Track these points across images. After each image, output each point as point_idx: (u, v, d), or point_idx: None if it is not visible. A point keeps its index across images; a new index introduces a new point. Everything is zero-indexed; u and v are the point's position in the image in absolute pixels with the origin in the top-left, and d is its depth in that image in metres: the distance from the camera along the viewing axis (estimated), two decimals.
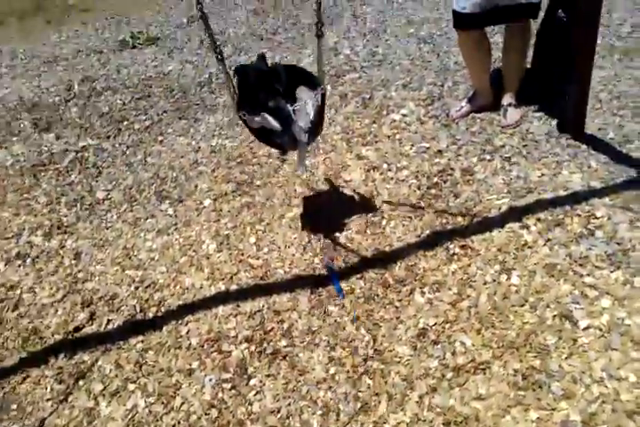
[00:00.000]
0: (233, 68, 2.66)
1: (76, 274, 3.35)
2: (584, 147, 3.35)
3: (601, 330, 2.41)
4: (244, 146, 4.03)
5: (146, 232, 3.53)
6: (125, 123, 4.59)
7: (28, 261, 3.49)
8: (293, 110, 2.62)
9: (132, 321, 3.04)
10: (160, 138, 4.34)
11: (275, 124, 2.59)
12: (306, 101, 2.63)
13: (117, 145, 4.31)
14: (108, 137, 4.42)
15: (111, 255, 3.42)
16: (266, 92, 2.62)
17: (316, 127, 2.75)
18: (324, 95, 2.71)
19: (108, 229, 3.62)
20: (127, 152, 4.23)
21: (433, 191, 3.32)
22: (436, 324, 2.66)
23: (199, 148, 4.14)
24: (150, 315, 3.05)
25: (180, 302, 3.08)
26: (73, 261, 3.43)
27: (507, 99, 3.74)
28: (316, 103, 2.65)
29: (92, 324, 3.06)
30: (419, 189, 3.36)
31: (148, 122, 4.58)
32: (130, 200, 3.79)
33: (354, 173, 3.60)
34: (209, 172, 3.89)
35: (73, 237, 3.60)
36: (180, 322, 2.98)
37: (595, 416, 2.16)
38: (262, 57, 2.76)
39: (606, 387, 2.23)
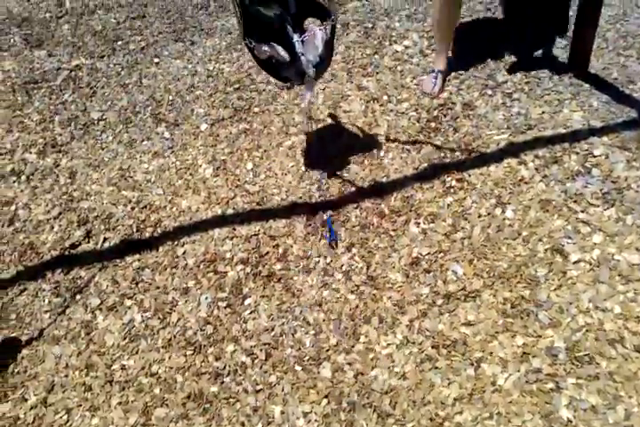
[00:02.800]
0: None
1: (72, 193, 3.33)
2: (587, 86, 3.32)
3: (591, 264, 2.48)
4: (241, 71, 3.93)
5: (142, 154, 3.49)
6: (120, 43, 4.43)
7: (23, 177, 3.46)
8: (302, 41, 2.51)
9: (128, 240, 3.06)
10: (156, 60, 4.21)
11: (284, 54, 2.45)
12: (315, 33, 2.49)
13: (112, 65, 4.18)
14: (102, 57, 4.27)
15: (107, 175, 3.40)
16: (274, 20, 2.46)
17: (324, 61, 2.61)
18: (334, 26, 2.55)
19: (103, 149, 3.57)
20: (122, 73, 4.11)
21: (432, 125, 3.30)
22: (429, 253, 2.72)
23: (196, 71, 4.03)
24: (147, 235, 3.07)
25: (177, 224, 3.09)
26: (68, 180, 3.41)
27: None
28: (326, 35, 2.51)
29: (88, 241, 3.08)
30: (418, 121, 3.33)
31: (144, 43, 4.42)
32: (125, 122, 3.73)
33: (353, 104, 3.54)
34: (206, 96, 3.81)
35: (67, 156, 3.56)
36: (176, 243, 3.01)
37: (578, 344, 2.27)
38: None
39: (591, 317, 2.33)
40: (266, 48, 2.45)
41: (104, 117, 3.78)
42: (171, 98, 3.86)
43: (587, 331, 2.29)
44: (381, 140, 3.27)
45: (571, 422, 2.09)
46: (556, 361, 2.24)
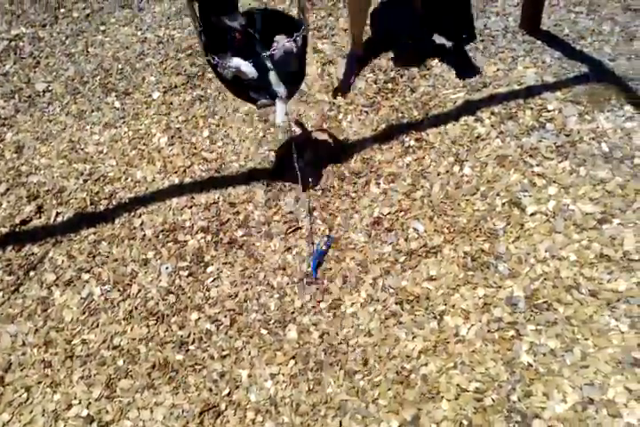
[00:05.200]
0: None
1: (19, 167, 3.21)
2: (539, 42, 3.32)
3: (547, 215, 2.52)
4: (193, 37, 3.80)
5: (92, 125, 3.38)
6: (62, 10, 4.23)
7: None
8: (270, 57, 2.26)
9: (82, 214, 2.98)
10: (102, 27, 4.04)
11: (250, 71, 2.22)
12: (284, 46, 2.26)
13: (55, 34, 4.00)
14: (44, 25, 4.09)
15: (56, 148, 3.28)
16: (238, 32, 2.20)
17: (296, 77, 2.43)
18: (305, 38, 2.30)
19: (50, 122, 3.44)
20: (67, 42, 3.94)
21: (390, 86, 3.26)
22: (390, 213, 2.71)
23: (145, 38, 3.90)
24: (101, 208, 2.99)
25: (132, 195, 3.02)
26: (15, 155, 3.28)
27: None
28: (296, 48, 2.28)
29: (39, 217, 2.99)
30: (375, 83, 3.29)
31: (88, 10, 4.23)
32: (73, 92, 3.59)
33: (310, 67, 3.47)
34: (157, 64, 3.69)
35: (13, 130, 3.41)
36: (132, 214, 2.94)
37: (537, 292, 2.31)
38: None
39: (549, 266, 2.37)
40: (231, 64, 2.22)
41: (50, 89, 3.63)
42: (120, 66, 3.72)
43: (544, 279, 2.34)
44: (340, 103, 3.22)
45: (531, 366, 2.14)
46: (516, 310, 2.28)
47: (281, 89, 2.34)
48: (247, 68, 2.22)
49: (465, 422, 2.07)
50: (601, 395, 2.03)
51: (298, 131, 3.07)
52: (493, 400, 2.09)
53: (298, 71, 2.43)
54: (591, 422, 1.99)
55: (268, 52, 2.24)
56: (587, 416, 2.00)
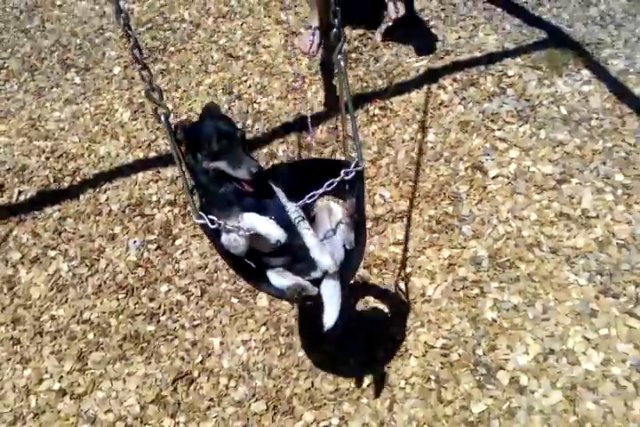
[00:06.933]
0: (176, 126, 1.60)
1: None
2: (499, 10, 3.35)
3: (508, 178, 2.58)
4: (153, 10, 3.74)
5: (52, 102, 3.31)
6: None
7: None
8: (304, 209, 1.54)
9: (45, 191, 2.93)
10: (58, 2, 3.94)
11: (273, 230, 1.42)
12: (326, 197, 1.55)
13: (9, 9, 3.89)
14: None
15: (15, 126, 3.21)
16: (247, 185, 1.47)
17: (352, 247, 1.58)
18: (362, 176, 1.56)
19: (8, 99, 3.36)
20: (21, 17, 3.84)
21: (353, 55, 3.26)
22: None
23: (104, 13, 3.82)
24: (65, 184, 2.95)
25: (97, 171, 2.98)
26: None
27: None
28: (349, 207, 1.58)
29: (1, 195, 2.94)
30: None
31: None
32: (30, 69, 3.50)
33: (273, 39, 3.45)
34: (117, 38, 3.62)
35: None
36: (97, 190, 2.91)
37: (500, 251, 2.38)
38: (216, 110, 1.69)
39: (511, 226, 2.44)
40: (241, 225, 1.41)
41: (6, 66, 3.54)
42: (79, 42, 3.65)
43: (507, 239, 2.40)
44: (304, 74, 3.21)
45: (495, 321, 2.21)
46: (480, 269, 2.34)
47: (326, 259, 1.48)
48: (268, 226, 1.41)
49: (433, 377, 2.13)
50: (561, 345, 2.12)
51: None
52: (459, 355, 2.16)
53: (357, 233, 1.58)
54: (552, 370, 2.07)
55: (299, 203, 1.54)
56: (548, 366, 2.08)
